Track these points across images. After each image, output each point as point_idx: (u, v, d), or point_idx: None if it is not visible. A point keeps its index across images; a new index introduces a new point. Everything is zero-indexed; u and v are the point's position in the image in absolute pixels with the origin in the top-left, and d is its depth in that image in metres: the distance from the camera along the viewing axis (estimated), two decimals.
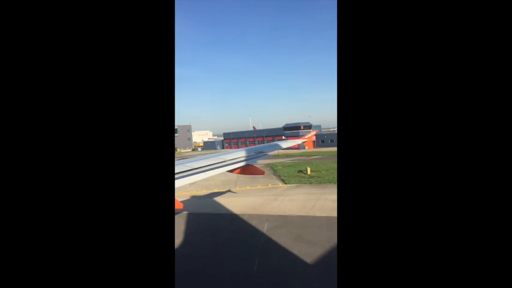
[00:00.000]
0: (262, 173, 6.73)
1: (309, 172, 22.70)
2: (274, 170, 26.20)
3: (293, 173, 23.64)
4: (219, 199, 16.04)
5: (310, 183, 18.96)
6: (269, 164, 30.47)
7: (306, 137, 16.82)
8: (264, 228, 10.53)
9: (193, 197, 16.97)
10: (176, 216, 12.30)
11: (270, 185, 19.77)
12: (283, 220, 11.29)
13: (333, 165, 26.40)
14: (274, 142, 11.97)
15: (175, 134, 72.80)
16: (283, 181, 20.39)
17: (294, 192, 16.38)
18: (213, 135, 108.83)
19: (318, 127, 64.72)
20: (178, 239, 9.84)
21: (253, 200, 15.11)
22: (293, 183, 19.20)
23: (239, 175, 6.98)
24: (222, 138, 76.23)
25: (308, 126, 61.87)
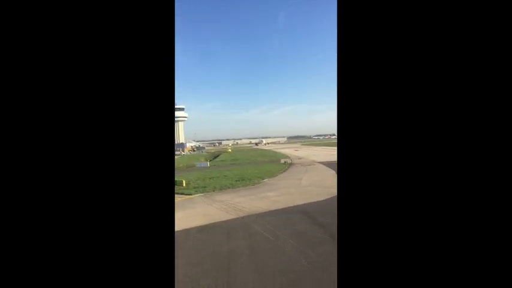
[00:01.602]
0: None
1: (184, 185, 22.21)
2: None
3: None
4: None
5: (213, 190, 19.73)
6: None
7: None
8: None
9: None
10: None
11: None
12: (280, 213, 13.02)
13: (186, 177, 26.64)
14: None
15: None
16: (181, 193, 19.12)
17: (223, 199, 16.79)
18: None
19: None
20: None
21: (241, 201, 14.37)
22: (198, 193, 18.91)
23: None
24: None
25: None
